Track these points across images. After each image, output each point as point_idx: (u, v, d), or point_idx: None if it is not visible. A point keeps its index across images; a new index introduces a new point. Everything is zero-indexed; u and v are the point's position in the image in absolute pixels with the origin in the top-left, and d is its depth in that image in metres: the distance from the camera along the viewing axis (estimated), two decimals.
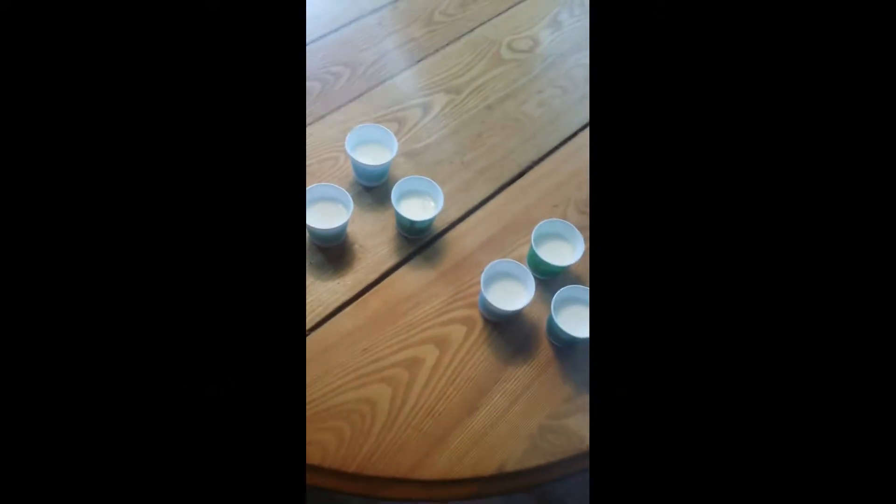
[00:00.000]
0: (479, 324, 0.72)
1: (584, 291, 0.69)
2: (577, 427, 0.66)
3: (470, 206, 0.82)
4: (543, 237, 0.74)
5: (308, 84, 0.92)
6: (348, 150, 0.77)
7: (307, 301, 0.71)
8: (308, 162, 0.83)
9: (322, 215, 0.72)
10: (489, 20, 1.06)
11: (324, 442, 0.62)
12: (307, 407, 0.64)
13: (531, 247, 0.72)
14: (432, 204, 0.76)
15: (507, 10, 1.08)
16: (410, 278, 0.74)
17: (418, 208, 0.76)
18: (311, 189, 0.73)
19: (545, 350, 0.71)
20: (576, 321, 0.68)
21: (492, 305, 0.68)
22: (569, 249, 0.74)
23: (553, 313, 0.67)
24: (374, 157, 0.79)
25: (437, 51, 1.00)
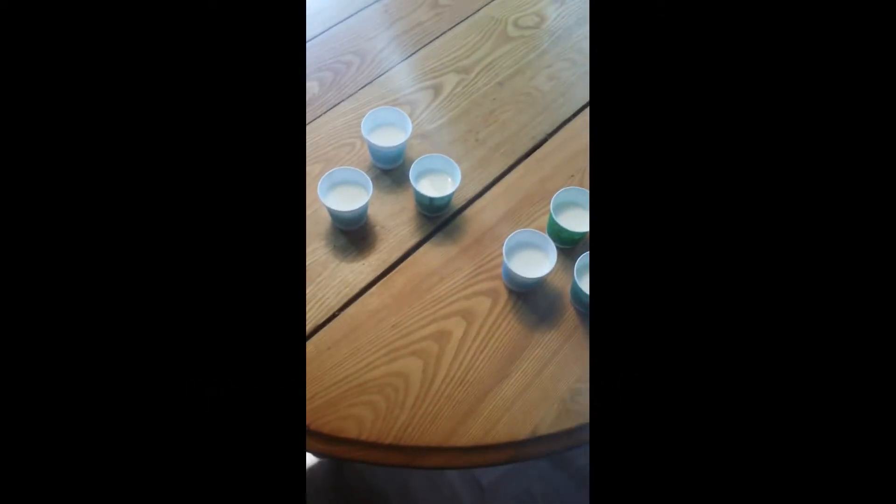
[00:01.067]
0: (504, 295, 0.73)
1: None
2: None
3: (487, 181, 0.83)
4: (562, 206, 0.75)
5: (320, 74, 0.93)
6: (364, 134, 0.78)
7: (334, 283, 0.72)
8: (325, 149, 0.84)
9: (343, 198, 0.74)
10: (493, 0, 1.06)
11: (359, 416, 0.63)
12: (340, 383, 0.65)
13: (550, 215, 0.73)
14: (450, 180, 0.77)
15: None
16: (433, 255, 0.75)
17: (436, 186, 0.77)
18: (331, 173, 0.74)
19: (571, 316, 0.71)
20: None
21: (515, 275, 0.69)
22: (587, 216, 0.75)
23: (576, 279, 0.68)
24: (389, 139, 0.80)
25: (444, 33, 1.00)
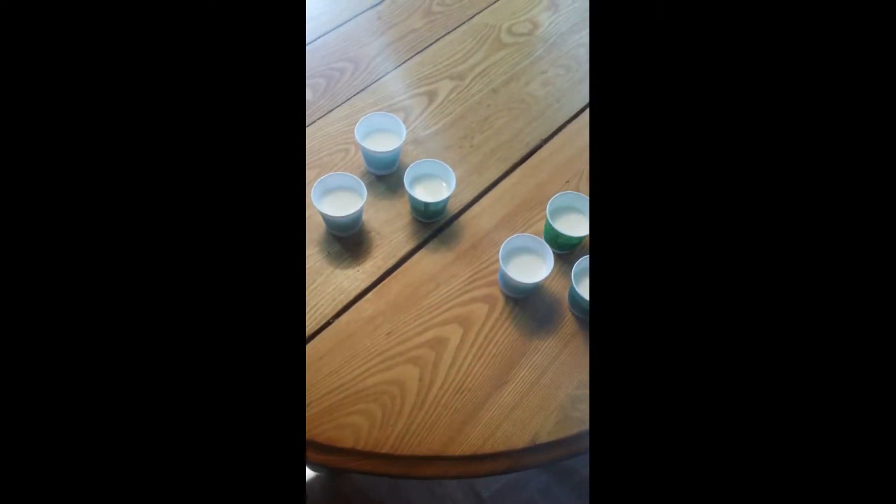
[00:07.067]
0: (501, 301, 0.72)
1: None
2: None
3: (483, 187, 0.82)
4: (558, 210, 0.74)
5: (313, 81, 0.93)
6: (358, 139, 0.77)
7: (328, 290, 0.71)
8: (319, 155, 0.84)
9: (337, 204, 0.73)
10: (487, 7, 1.06)
11: (356, 425, 0.62)
12: (336, 392, 0.64)
13: (547, 220, 0.72)
14: (445, 186, 0.77)
15: None
16: (429, 261, 0.75)
17: (431, 191, 0.76)
18: (325, 179, 0.73)
19: (569, 322, 0.71)
20: None
21: (512, 280, 0.68)
22: (584, 221, 0.74)
23: (574, 284, 0.67)
24: (383, 145, 0.79)
25: (437, 40, 1.00)
